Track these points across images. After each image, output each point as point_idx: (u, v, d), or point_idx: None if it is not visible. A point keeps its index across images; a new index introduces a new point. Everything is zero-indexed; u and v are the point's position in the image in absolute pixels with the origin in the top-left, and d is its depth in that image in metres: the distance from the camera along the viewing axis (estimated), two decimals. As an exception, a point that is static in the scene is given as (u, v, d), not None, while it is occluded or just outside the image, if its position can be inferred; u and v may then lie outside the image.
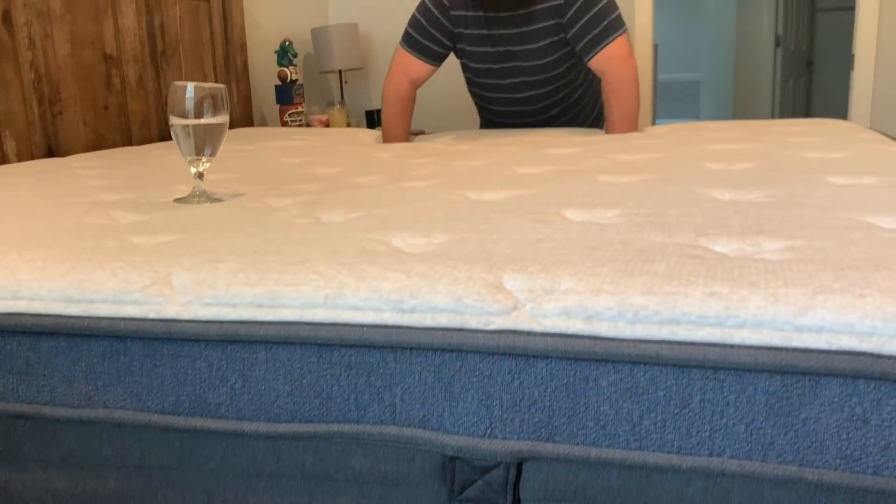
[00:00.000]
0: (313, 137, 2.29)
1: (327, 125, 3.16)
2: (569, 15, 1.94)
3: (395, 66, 2.13)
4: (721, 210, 0.89)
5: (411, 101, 2.14)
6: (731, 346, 0.56)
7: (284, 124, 2.99)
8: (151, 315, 0.70)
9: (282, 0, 3.28)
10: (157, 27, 2.37)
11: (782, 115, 5.27)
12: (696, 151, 1.45)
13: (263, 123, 3.16)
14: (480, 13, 1.98)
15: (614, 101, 1.96)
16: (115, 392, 0.71)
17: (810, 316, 0.55)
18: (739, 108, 5.40)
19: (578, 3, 1.91)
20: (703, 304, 0.58)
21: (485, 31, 2.01)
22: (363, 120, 3.60)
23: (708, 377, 0.57)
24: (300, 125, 3.04)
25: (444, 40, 2.07)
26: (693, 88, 6.22)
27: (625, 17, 3.26)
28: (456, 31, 2.05)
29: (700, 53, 6.11)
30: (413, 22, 2.08)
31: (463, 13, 2.00)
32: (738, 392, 0.56)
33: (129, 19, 2.25)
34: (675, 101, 6.30)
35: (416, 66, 2.09)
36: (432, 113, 3.61)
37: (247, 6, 3.02)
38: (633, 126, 1.98)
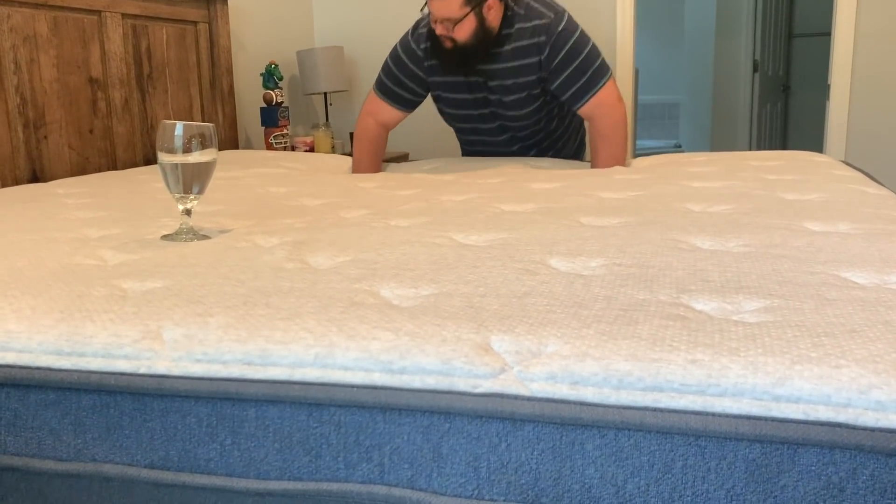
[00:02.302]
0: (298, 163, 2.29)
1: (312, 147, 3.17)
2: (551, 68, 1.91)
3: (365, 110, 2.14)
4: (702, 261, 0.91)
5: (382, 141, 2.15)
6: (713, 414, 0.58)
7: (269, 146, 3.00)
8: (142, 370, 0.71)
9: (268, 23, 3.29)
10: (143, 51, 2.37)
11: (759, 138, 5.36)
12: (676, 190, 1.48)
13: (249, 145, 3.16)
14: None
15: (601, 145, 1.97)
16: (104, 446, 0.72)
17: (788, 386, 0.57)
18: (718, 130, 5.48)
19: (560, 57, 1.89)
20: (686, 372, 0.60)
21: (462, 79, 2.00)
22: (348, 142, 3.61)
23: (690, 443, 0.58)
24: (285, 147, 3.04)
25: (417, 89, 2.07)
26: (673, 110, 6.31)
27: (606, 42, 3.32)
28: (430, 79, 2.04)
29: (680, 77, 6.20)
30: (386, 69, 2.08)
31: (439, 63, 1.99)
32: (718, 458, 0.58)
33: (116, 43, 2.25)
34: (656, 123, 6.38)
35: (387, 112, 2.11)
36: (417, 136, 3.63)
37: (233, 29, 3.02)
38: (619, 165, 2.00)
